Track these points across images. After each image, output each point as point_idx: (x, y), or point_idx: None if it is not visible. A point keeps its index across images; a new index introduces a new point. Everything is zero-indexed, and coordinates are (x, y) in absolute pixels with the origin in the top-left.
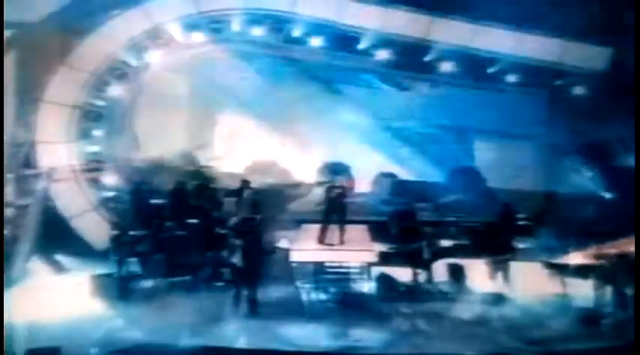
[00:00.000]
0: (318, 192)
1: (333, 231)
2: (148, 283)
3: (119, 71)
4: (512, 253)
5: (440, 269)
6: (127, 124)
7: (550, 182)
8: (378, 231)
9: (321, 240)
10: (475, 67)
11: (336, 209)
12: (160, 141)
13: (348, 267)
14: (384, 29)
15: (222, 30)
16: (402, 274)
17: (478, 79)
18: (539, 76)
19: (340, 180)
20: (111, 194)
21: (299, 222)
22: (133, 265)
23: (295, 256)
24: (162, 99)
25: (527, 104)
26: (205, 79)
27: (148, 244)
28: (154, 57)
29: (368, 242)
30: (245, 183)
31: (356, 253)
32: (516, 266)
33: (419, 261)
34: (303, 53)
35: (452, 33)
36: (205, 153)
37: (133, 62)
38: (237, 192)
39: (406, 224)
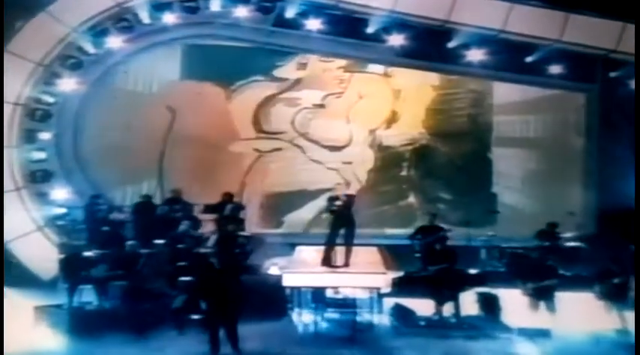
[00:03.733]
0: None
1: (337, 251)
2: (106, 315)
3: (73, 60)
4: (557, 281)
5: (469, 300)
6: (82, 126)
7: (603, 195)
8: (391, 254)
9: (327, 260)
10: (510, 55)
11: (343, 220)
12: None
13: (355, 297)
14: (398, 9)
15: (199, 10)
16: (423, 305)
17: (514, 70)
18: (589, 67)
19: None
20: (60, 210)
21: (292, 245)
22: (87, 293)
23: (289, 280)
24: (125, 95)
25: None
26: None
27: (105, 268)
28: (116, 42)
29: (379, 265)
30: (227, 196)
31: (364, 277)
32: (563, 297)
33: (444, 290)
34: (297, 39)
35: (481, 13)
36: None
37: (90, 49)
38: (217, 207)
39: (433, 241)
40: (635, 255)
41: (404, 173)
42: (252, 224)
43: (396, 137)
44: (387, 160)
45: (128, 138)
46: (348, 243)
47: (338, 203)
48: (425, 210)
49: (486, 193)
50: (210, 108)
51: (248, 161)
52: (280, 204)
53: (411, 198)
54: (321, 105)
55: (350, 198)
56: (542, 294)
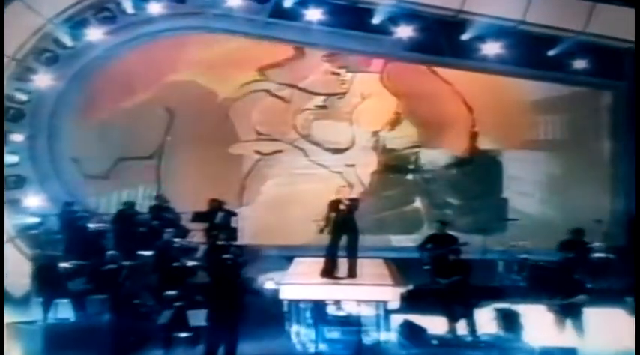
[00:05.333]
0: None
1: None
2: (84, 332)
3: (49, 54)
4: (584, 295)
5: (486, 317)
6: (58, 126)
7: (633, 202)
8: (398, 266)
9: (327, 271)
10: (530, 48)
11: (345, 227)
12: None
13: (359, 314)
14: None
15: None
16: (435, 322)
17: (534, 65)
18: (616, 61)
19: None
20: (34, 219)
21: (290, 258)
22: (64, 309)
23: (287, 293)
24: (106, 93)
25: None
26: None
27: (83, 281)
28: (97, 35)
29: (386, 277)
30: (215, 203)
31: (370, 289)
32: (590, 313)
33: (458, 305)
34: (295, 31)
35: (498, 3)
36: None
37: (68, 42)
38: (207, 215)
39: (444, 251)
40: (635, 255)
41: (409, 176)
42: (248, 232)
43: (400, 139)
44: (392, 163)
45: (117, 140)
46: (352, 253)
47: (341, 207)
48: (432, 216)
49: (500, 199)
50: (210, 109)
51: (248, 163)
52: (279, 209)
53: (417, 203)
54: (323, 107)
55: (353, 203)
56: (567, 310)
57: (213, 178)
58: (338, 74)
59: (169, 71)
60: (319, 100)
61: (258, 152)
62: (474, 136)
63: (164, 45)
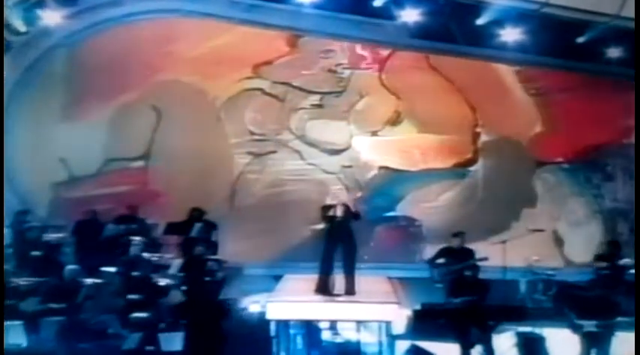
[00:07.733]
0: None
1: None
2: None
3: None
4: (621, 317)
5: (506, 342)
6: (10, 124)
7: None
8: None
9: (323, 288)
10: (555, 34)
11: (340, 235)
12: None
13: (359, 340)
14: None
15: None
16: (446, 348)
17: (560, 54)
18: None
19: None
20: None
21: (277, 277)
22: (15, 332)
23: (274, 312)
24: (67, 85)
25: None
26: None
27: (38, 300)
28: (55, 19)
29: (389, 295)
30: (195, 212)
31: (371, 307)
32: (625, 338)
33: (473, 328)
34: (284, 15)
35: None
36: None
37: (21, 27)
38: (183, 227)
39: (459, 267)
40: (635, 252)
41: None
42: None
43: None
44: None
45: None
46: (349, 266)
47: (337, 213)
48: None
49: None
50: (200, 108)
51: (240, 165)
52: (272, 213)
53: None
54: (319, 106)
55: (349, 208)
56: (599, 335)
57: (204, 180)
58: (335, 71)
59: (156, 68)
60: (315, 99)
61: (250, 153)
62: (476, 137)
63: (151, 39)
